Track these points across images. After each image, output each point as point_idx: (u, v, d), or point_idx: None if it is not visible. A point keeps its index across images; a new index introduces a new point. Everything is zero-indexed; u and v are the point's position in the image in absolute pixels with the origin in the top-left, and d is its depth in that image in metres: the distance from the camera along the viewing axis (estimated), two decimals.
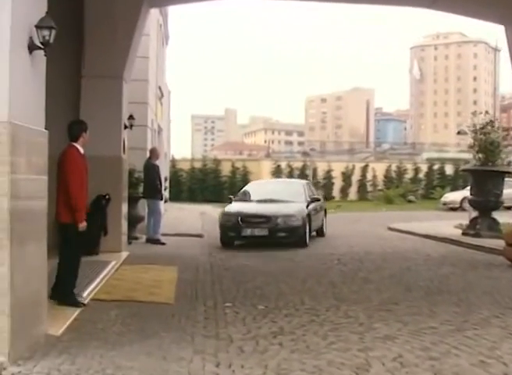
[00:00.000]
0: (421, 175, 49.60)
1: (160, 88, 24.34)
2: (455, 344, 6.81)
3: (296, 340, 7.02)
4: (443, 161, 52.27)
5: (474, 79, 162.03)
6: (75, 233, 8.37)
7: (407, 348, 6.63)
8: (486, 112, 20.88)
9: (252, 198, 18.68)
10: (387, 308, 8.69)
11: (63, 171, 8.37)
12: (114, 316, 8.08)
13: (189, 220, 25.20)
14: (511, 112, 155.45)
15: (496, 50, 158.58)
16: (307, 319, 7.99)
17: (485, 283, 10.83)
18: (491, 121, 19.52)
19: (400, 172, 49.19)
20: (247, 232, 16.36)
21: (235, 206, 17.63)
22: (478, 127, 19.36)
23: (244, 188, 20.77)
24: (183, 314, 8.24)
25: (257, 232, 16.31)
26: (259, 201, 17.90)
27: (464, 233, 19.03)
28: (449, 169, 49.89)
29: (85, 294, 9.12)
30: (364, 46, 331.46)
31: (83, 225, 8.43)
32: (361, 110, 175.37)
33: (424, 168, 50.24)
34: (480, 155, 19.06)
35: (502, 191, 19.03)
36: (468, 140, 29.09)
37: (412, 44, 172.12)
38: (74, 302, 8.34)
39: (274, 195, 18.17)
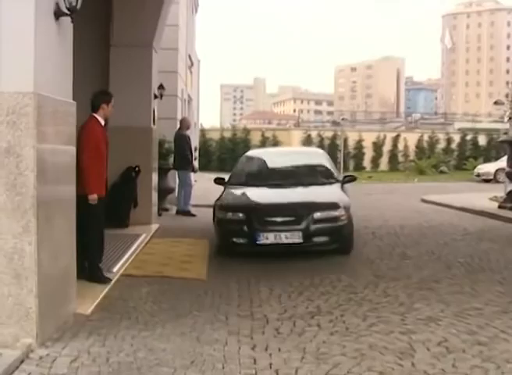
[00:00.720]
0: (454, 145, 48.79)
1: (190, 57, 23.97)
2: (503, 327, 6.46)
3: (335, 321, 6.73)
4: (476, 131, 51.37)
5: (508, 48, 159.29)
6: (88, 206, 7.82)
7: (452, 332, 6.29)
8: None
9: (258, 179, 12.04)
10: (428, 287, 8.34)
11: (78, 142, 7.67)
12: (145, 293, 7.86)
13: (219, 191, 24.84)
14: None
15: None
16: (345, 298, 7.68)
17: None
18: None
19: (432, 142, 48.41)
20: (268, 238, 10.15)
21: (236, 194, 11.46)
22: None
23: (240, 163, 13.23)
24: (216, 291, 7.99)
25: (286, 237, 10.17)
26: (272, 185, 11.61)
27: (500, 207, 18.50)
28: (482, 140, 49.04)
29: (115, 269, 8.90)
30: (395, 14, 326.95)
31: (93, 197, 7.89)
32: (392, 79, 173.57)
33: (456, 138, 49.40)
34: None
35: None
36: (503, 110, 28.47)
37: (444, 12, 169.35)
38: (99, 278, 8.04)
39: (289, 174, 12.35)
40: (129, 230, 12.50)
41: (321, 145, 45.69)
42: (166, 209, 16.51)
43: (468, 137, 49.29)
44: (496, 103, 27.48)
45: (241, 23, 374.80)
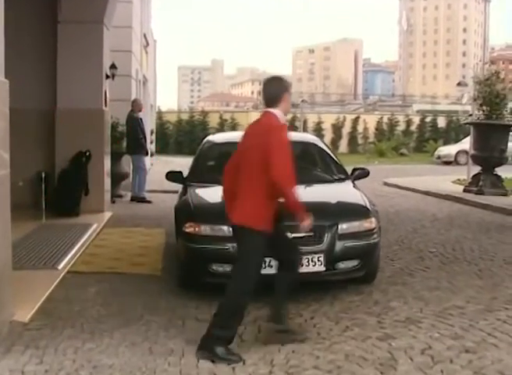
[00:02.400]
0: (413, 127, 48.46)
1: (145, 36, 23.03)
2: (489, 329, 5.85)
3: (305, 324, 6.05)
4: (435, 113, 51.19)
5: (464, 30, 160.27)
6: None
7: (435, 336, 5.66)
8: (492, 63, 19.77)
9: None
10: (402, 281, 7.71)
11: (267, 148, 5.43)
12: (93, 293, 7.08)
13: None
14: (500, 64, 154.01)
15: (486, 1, 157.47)
16: (314, 296, 6.99)
17: (502, 250, 9.85)
18: (496, 72, 18.38)
19: (392, 124, 48.02)
20: (272, 265, 6.38)
21: (210, 196, 7.59)
22: (482, 78, 18.23)
23: (203, 152, 9.35)
24: (171, 290, 7.24)
25: (300, 265, 6.17)
26: None
27: (465, 190, 18.06)
28: (441, 122, 48.82)
29: (61, 265, 8.10)
30: None
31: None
32: (349, 61, 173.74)
33: (415, 120, 49.09)
34: (484, 108, 17.96)
35: (507, 146, 18.02)
36: (467, 92, 28.04)
37: None
38: None
39: None
40: (79, 220, 11.70)
41: None
42: (120, 196, 15.68)
43: (428, 119, 49.02)
44: (459, 84, 26.98)
45: (199, 3, 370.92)
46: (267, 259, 6.53)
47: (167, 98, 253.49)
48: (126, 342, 5.43)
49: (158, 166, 25.61)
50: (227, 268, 6.68)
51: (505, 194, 17.24)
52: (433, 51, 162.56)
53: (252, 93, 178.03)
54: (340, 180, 8.56)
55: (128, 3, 17.42)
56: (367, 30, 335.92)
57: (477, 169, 18.40)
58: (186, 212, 7.38)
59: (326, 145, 9.91)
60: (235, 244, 6.47)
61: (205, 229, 6.88)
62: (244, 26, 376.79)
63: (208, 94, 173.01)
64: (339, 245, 6.87)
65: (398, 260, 8.96)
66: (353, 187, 8.30)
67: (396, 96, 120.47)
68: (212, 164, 9.23)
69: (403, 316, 6.30)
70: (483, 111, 18.02)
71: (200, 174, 8.59)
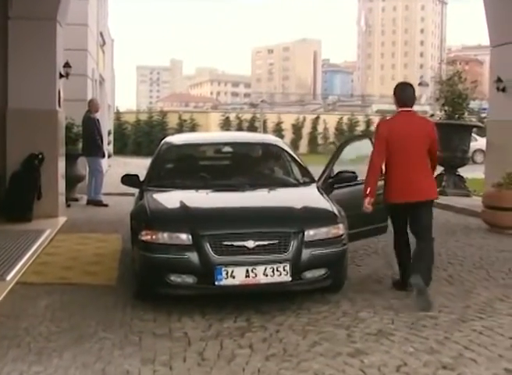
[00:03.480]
0: (373, 127, 48.45)
1: (102, 34, 22.44)
2: (465, 342, 5.53)
3: (270, 339, 5.65)
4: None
5: (422, 31, 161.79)
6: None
7: (409, 351, 5.31)
8: (453, 62, 19.67)
9: (198, 178, 8.04)
10: (370, 289, 7.37)
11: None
12: (43, 307, 6.58)
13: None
14: (457, 65, 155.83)
15: (443, 2, 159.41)
16: (279, 306, 6.59)
17: (470, 254, 9.59)
18: (458, 72, 18.25)
19: (352, 124, 47.99)
20: (235, 276, 6.24)
21: (169, 202, 7.29)
22: (444, 78, 18.09)
23: (161, 154, 8.66)
24: (127, 302, 6.78)
25: (265, 274, 6.27)
26: (221, 188, 7.68)
27: None
28: None
29: (10, 275, 7.60)
30: None
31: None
32: (308, 61, 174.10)
33: (376, 120, 49.06)
34: (446, 108, 17.82)
35: (469, 147, 17.90)
36: (422, 91, 28.04)
37: None
38: None
39: (243, 171, 8.43)
40: (31, 225, 11.14)
41: (239, 128, 44.87)
42: (76, 199, 15.14)
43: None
44: (420, 85, 26.99)
45: (157, 3, 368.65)
46: (229, 269, 6.18)
47: (126, 98, 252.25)
48: (76, 363, 4.98)
49: (115, 168, 25.06)
50: (186, 279, 6.31)
51: (468, 195, 17.12)
52: (391, 51, 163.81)
53: (211, 93, 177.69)
54: (305, 183, 8.09)
55: (83, 0, 16.86)
56: (326, 31, 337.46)
57: (439, 169, 18.20)
58: (143, 218, 6.86)
59: (289, 147, 9.49)
60: (194, 253, 6.17)
61: (163, 237, 6.40)
62: (203, 26, 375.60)
63: (167, 95, 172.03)
64: (306, 253, 6.44)
65: (365, 266, 8.61)
66: (319, 191, 7.79)
67: (355, 96, 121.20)
68: (171, 167, 8.80)
69: (374, 328, 5.94)
70: (445, 111, 17.88)
71: (158, 178, 8.09)
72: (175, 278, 6.34)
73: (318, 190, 7.82)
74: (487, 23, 14.51)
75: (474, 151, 29.33)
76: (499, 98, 14.03)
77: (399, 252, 7.49)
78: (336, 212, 7.02)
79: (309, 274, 6.52)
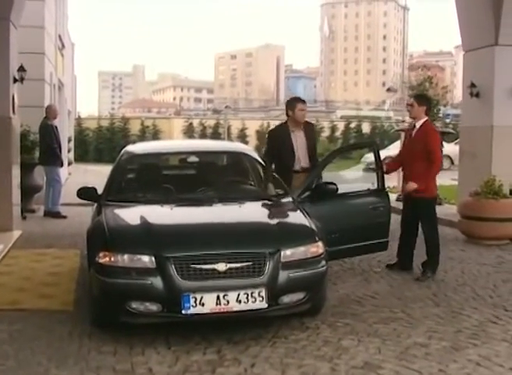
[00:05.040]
0: (338, 133, 48.21)
1: (60, 38, 21.60)
2: None
3: None
4: (360, 119, 51.15)
5: (384, 37, 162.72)
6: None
7: None
8: (424, 67, 19.30)
9: (161, 191, 7.18)
10: (351, 312, 6.77)
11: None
12: None
13: (96, 184, 22.59)
14: (419, 71, 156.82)
15: (405, 9, 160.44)
16: (253, 334, 5.96)
17: (451, 268, 9.08)
18: (429, 77, 17.84)
19: (317, 130, 47.60)
20: (204, 304, 5.55)
21: (129, 219, 6.50)
22: (415, 83, 17.67)
23: (121, 165, 7.85)
24: (85, 331, 6.08)
25: (238, 301, 5.59)
26: (188, 202, 6.94)
27: (398, 199, 17.32)
28: (365, 128, 48.70)
29: None
30: (275, 2, 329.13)
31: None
32: (271, 67, 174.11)
33: (340, 126, 48.87)
34: None
35: (441, 153, 17.44)
36: (391, 97, 27.68)
37: (323, 1, 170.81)
38: None
39: (211, 184, 7.57)
40: None
41: (203, 134, 44.31)
42: (32, 211, 14.33)
43: (352, 125, 48.83)
44: (388, 90, 26.63)
45: (119, 8, 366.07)
46: (197, 296, 5.52)
47: (88, 104, 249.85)
48: None
49: (76, 176, 24.26)
50: (150, 306, 5.61)
51: (440, 203, 16.64)
52: (354, 57, 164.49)
53: (174, 99, 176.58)
54: (279, 196, 7.38)
55: (39, 1, 16.08)
56: (288, 37, 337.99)
57: None
58: (100, 238, 6.09)
59: (260, 156, 8.87)
60: (158, 278, 5.50)
61: (122, 259, 5.66)
62: (165, 31, 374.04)
63: (130, 101, 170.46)
64: (283, 276, 5.76)
65: (342, 284, 8.00)
66: (294, 204, 7.12)
67: (318, 102, 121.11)
68: (132, 179, 8.08)
69: (360, 359, 5.34)
70: None
71: (118, 191, 7.31)
72: (137, 306, 5.61)
73: (294, 203, 7.17)
74: (459, 28, 14.11)
75: None
76: (472, 104, 13.60)
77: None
78: (314, 228, 6.38)
79: (287, 299, 5.85)
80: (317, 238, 6.20)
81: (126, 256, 5.67)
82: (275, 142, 9.10)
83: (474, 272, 8.84)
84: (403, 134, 18.16)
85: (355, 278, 8.39)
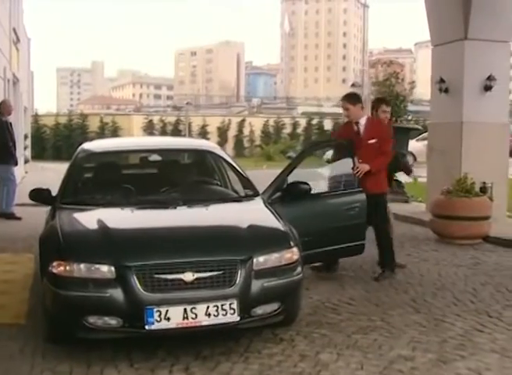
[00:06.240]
0: (300, 130, 47.88)
1: (15, 31, 20.85)
2: None
3: None
4: (321, 116, 50.88)
5: (344, 34, 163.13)
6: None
7: None
8: (390, 62, 18.97)
9: (120, 193, 6.62)
10: (327, 321, 6.31)
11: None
12: None
13: (53, 183, 21.93)
14: (379, 67, 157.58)
15: (365, 6, 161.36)
16: (223, 349, 5.46)
17: (426, 270, 8.68)
18: (395, 72, 17.51)
19: (278, 127, 47.27)
20: (170, 318, 5.00)
21: (86, 224, 5.87)
22: (381, 79, 17.32)
23: (77, 164, 7.25)
24: (38, 347, 5.50)
25: (207, 314, 5.06)
26: (149, 205, 6.34)
27: None
28: (327, 124, 48.42)
29: None
30: None
31: None
32: (232, 64, 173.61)
33: (302, 123, 48.53)
34: None
35: (407, 151, 17.15)
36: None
37: None
38: None
39: (175, 184, 7.05)
40: None
41: (163, 131, 43.68)
42: None
43: (314, 122, 48.53)
44: (352, 86, 26.27)
45: (78, 3, 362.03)
46: (162, 310, 4.99)
47: (46, 100, 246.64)
48: None
49: (33, 175, 23.45)
50: (109, 321, 5.05)
51: (407, 201, 16.35)
52: (314, 54, 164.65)
53: (133, 95, 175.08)
54: (248, 197, 6.83)
55: None
56: (249, 33, 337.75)
57: None
58: (54, 245, 5.46)
59: (227, 154, 8.33)
60: (118, 290, 4.95)
61: (79, 269, 5.08)
62: (125, 27, 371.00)
63: (89, 97, 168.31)
64: (256, 286, 5.24)
65: (315, 290, 7.49)
66: (266, 206, 6.57)
67: (279, 98, 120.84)
68: (89, 180, 7.44)
69: None
70: None
71: (74, 193, 6.69)
72: (94, 320, 5.04)
73: (265, 205, 6.64)
74: (428, 22, 13.77)
75: None
76: (441, 100, 13.28)
77: None
78: (288, 232, 5.88)
79: (260, 310, 5.32)
80: (291, 243, 5.69)
81: (82, 266, 5.09)
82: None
83: (451, 274, 8.46)
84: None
85: (328, 283, 7.92)
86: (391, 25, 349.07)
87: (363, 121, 8.24)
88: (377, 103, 9.09)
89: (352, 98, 8.41)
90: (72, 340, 5.35)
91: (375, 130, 8.20)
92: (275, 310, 5.43)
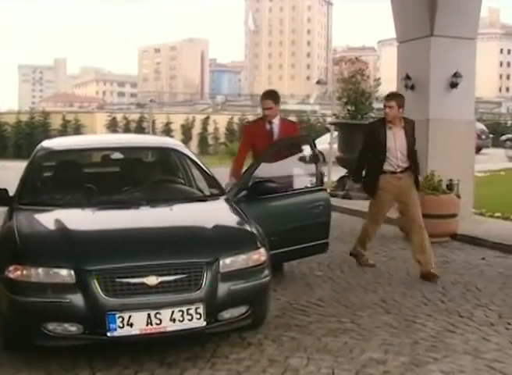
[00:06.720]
0: None
1: None
2: None
3: None
4: (285, 113, 50.82)
5: (308, 32, 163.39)
6: None
7: None
8: (356, 59, 18.86)
9: (81, 192, 6.33)
10: (296, 323, 6.14)
11: None
12: None
13: (14, 182, 21.45)
14: (343, 65, 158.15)
15: (328, 3, 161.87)
16: (188, 355, 5.29)
17: (395, 269, 8.57)
18: (361, 69, 17.40)
19: (243, 124, 46.93)
20: (133, 324, 4.79)
21: (44, 225, 5.60)
22: (346, 76, 17.20)
23: (36, 163, 6.93)
24: None
25: (172, 319, 4.86)
26: (111, 205, 6.10)
27: (331, 195, 16.84)
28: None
29: None
30: None
31: None
32: (196, 61, 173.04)
33: None
34: (349, 107, 16.92)
35: None
36: (320, 89, 27.42)
37: None
38: None
39: (137, 183, 6.74)
40: None
41: (127, 129, 43.20)
42: None
43: None
44: (318, 83, 26.19)
45: (39, 0, 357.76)
46: (125, 315, 4.77)
47: (7, 98, 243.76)
48: None
49: None
50: (69, 328, 4.82)
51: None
52: (279, 51, 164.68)
53: (97, 93, 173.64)
54: (214, 196, 6.62)
55: None
56: (213, 31, 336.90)
57: (342, 171, 17.35)
58: (10, 248, 5.20)
59: (193, 153, 8.09)
60: (79, 295, 4.72)
61: (36, 274, 4.83)
62: (87, 24, 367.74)
63: (51, 95, 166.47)
64: (223, 289, 5.05)
65: (282, 291, 7.30)
66: (231, 205, 6.36)
67: (243, 96, 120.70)
68: (48, 179, 7.10)
69: None
70: (348, 110, 17.00)
71: (32, 193, 6.36)
72: (53, 327, 4.81)
73: (231, 204, 6.45)
74: (394, 18, 13.67)
75: None
76: (407, 97, 13.06)
77: None
78: (255, 232, 5.69)
79: (227, 314, 5.14)
80: (259, 244, 5.51)
81: (40, 270, 4.85)
82: (370, 139, 8.37)
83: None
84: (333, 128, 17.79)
85: (296, 283, 7.76)
86: (354, 23, 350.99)
87: (277, 121, 8.20)
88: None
89: (275, 97, 8.35)
90: (30, 348, 5.10)
91: (288, 131, 8.16)
92: (243, 314, 5.26)
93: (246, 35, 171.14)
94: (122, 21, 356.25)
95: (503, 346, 5.53)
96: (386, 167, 8.13)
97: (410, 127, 8.32)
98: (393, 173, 8.14)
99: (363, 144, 8.56)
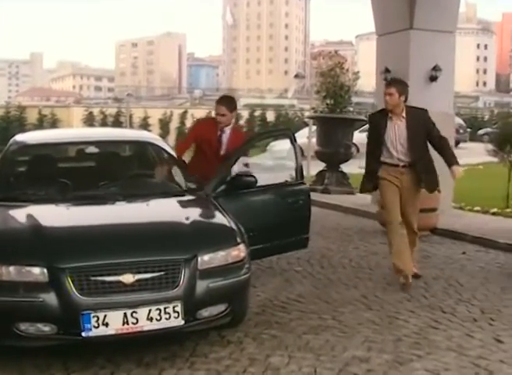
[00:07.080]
0: (242, 122, 47.56)
1: None
2: None
3: None
4: (264, 107, 50.74)
5: (286, 26, 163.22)
6: None
7: None
8: (335, 52, 18.76)
9: (54, 187, 6.10)
10: (276, 320, 6.01)
11: None
12: None
13: None
14: (321, 60, 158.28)
15: None
16: (166, 355, 5.14)
17: (376, 264, 8.47)
18: (340, 63, 17.30)
19: (193, 121, 46.92)
20: (109, 324, 4.64)
21: (16, 223, 5.39)
22: (325, 69, 17.10)
23: (9, 158, 6.75)
24: None
25: (149, 319, 4.71)
26: (85, 201, 5.89)
27: (310, 189, 16.80)
28: (270, 116, 48.24)
29: None
30: None
31: None
32: (173, 55, 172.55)
33: (245, 114, 48.20)
34: (328, 101, 16.83)
35: (352, 142, 16.99)
36: (299, 83, 27.32)
37: None
38: None
39: (111, 178, 6.52)
40: None
41: (104, 123, 42.93)
42: None
43: (256, 113, 48.31)
44: (296, 76, 26.05)
45: None
46: (100, 315, 4.61)
47: None
48: None
49: None
50: (42, 328, 4.66)
51: (351, 193, 16.19)
52: (256, 46, 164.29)
53: (74, 87, 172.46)
54: (191, 191, 6.42)
55: None
56: (191, 25, 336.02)
57: (321, 165, 17.28)
58: None
59: (169, 146, 7.92)
60: (52, 294, 4.55)
61: (7, 272, 4.66)
62: (64, 18, 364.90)
63: (27, 89, 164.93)
64: (201, 287, 4.90)
65: (262, 287, 7.17)
66: (210, 201, 6.23)
67: (221, 90, 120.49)
68: (21, 174, 6.89)
69: None
70: (327, 104, 16.90)
71: (5, 189, 6.14)
72: (26, 327, 4.64)
73: (209, 199, 6.31)
74: (373, 11, 13.60)
75: None
76: None
77: None
78: (234, 228, 5.54)
79: (206, 313, 5.00)
80: (238, 240, 5.36)
81: (11, 268, 4.67)
82: (372, 132, 7.80)
83: None
84: (312, 122, 17.67)
85: (275, 279, 7.63)
86: (332, 17, 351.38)
87: (228, 130, 7.75)
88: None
89: (230, 104, 7.80)
90: (2, 348, 4.92)
91: (238, 144, 7.42)
92: (222, 312, 5.13)
93: (224, 29, 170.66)
94: (99, 15, 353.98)
95: (487, 342, 5.45)
96: (387, 159, 7.47)
97: (416, 118, 7.39)
98: (395, 166, 7.46)
99: (367, 138, 7.94)
